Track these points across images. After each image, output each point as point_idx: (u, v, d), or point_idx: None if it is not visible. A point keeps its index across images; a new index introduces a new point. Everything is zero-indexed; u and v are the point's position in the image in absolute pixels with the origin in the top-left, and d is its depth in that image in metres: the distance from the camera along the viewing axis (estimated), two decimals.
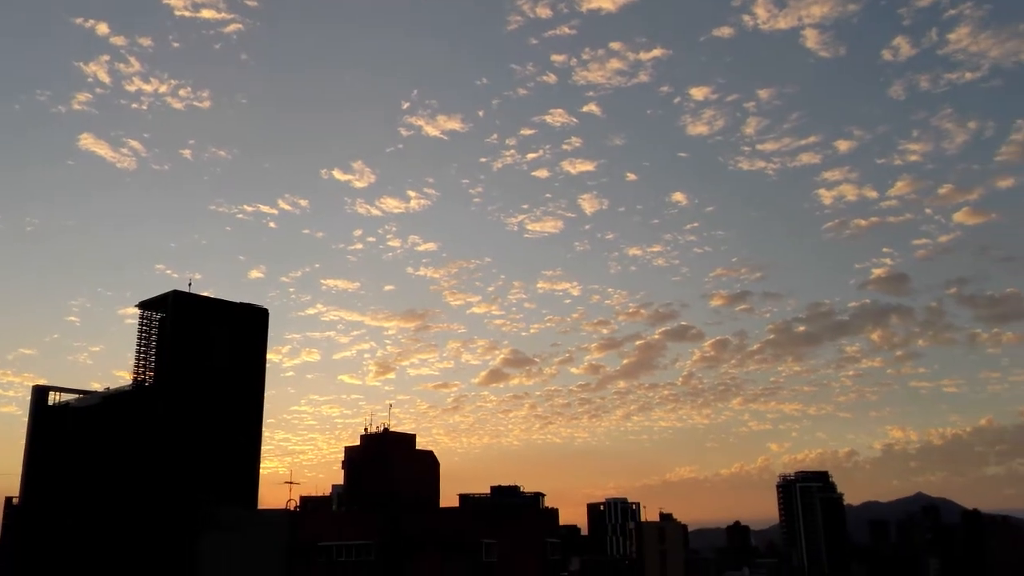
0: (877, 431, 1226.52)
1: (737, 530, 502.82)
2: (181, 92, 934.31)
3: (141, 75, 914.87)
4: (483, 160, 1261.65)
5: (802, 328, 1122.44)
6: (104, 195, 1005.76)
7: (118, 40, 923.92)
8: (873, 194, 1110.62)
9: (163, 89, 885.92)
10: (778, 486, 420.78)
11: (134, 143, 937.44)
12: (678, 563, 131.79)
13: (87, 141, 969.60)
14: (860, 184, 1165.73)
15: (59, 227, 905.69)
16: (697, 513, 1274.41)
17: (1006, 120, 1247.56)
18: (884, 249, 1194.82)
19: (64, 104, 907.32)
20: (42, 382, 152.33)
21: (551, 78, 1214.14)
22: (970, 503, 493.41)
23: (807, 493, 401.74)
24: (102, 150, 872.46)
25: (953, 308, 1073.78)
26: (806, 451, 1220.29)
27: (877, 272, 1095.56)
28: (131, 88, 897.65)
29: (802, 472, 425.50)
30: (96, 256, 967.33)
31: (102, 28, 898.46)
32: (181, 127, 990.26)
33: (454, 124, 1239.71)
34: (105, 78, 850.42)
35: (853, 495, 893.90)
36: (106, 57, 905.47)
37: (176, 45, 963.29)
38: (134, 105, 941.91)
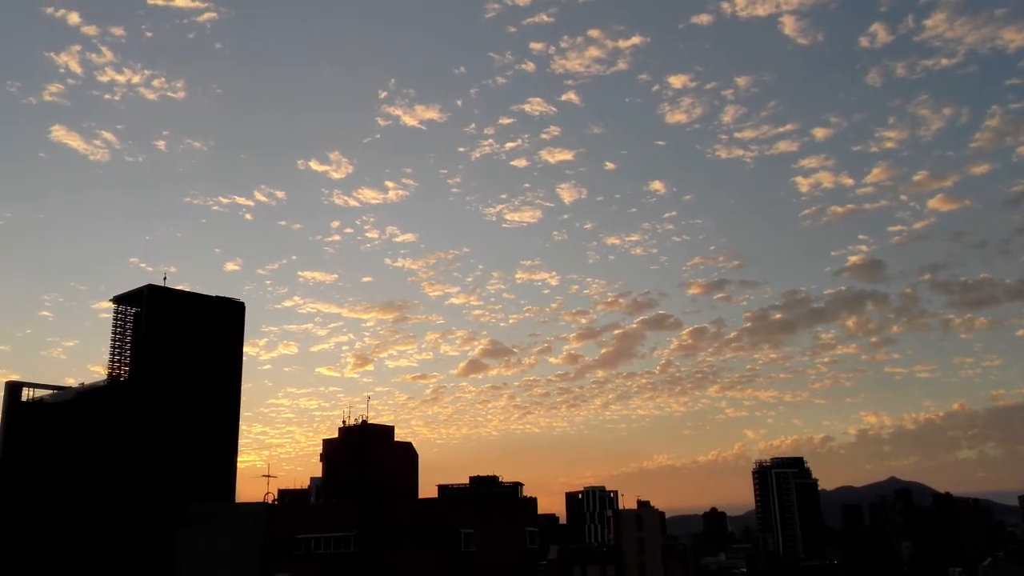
0: (852, 417, 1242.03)
1: (714, 516, 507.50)
2: (155, 82, 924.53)
3: (114, 65, 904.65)
4: (461, 150, 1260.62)
5: (778, 316, 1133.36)
6: (77, 188, 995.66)
7: (90, 30, 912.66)
8: (849, 181, 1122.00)
9: (136, 79, 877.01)
10: (754, 472, 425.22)
11: (107, 135, 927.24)
12: (655, 549, 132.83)
13: (59, 133, 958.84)
14: (836, 171, 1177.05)
15: (31, 221, 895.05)
16: (674, 500, 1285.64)
17: (981, 106, 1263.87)
18: (860, 236, 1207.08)
19: (35, 95, 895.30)
20: (15, 378, 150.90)
21: (529, 66, 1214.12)
22: (942, 487, 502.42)
23: (782, 479, 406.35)
24: (74, 142, 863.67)
25: (927, 294, 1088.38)
26: (782, 437, 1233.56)
27: (853, 259, 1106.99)
28: (103, 79, 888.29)
29: (778, 458, 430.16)
30: (69, 250, 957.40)
31: (73, 17, 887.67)
32: (155, 118, 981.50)
33: (432, 114, 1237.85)
34: (77, 68, 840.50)
35: (827, 480, 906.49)
36: (77, 47, 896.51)
37: (149, 34, 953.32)
38: (107, 96, 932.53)
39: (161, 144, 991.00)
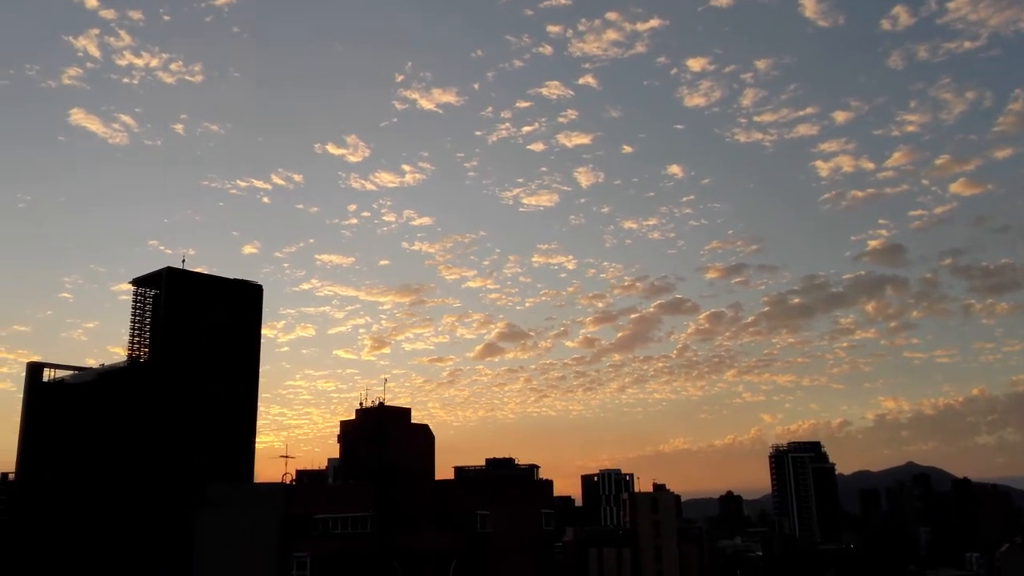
0: (870, 401, 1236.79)
1: (730, 500, 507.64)
2: (172, 66, 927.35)
3: (132, 49, 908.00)
4: (478, 133, 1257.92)
5: (797, 300, 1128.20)
6: (96, 171, 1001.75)
7: (108, 13, 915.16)
8: (870, 165, 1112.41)
9: (154, 63, 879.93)
10: (771, 456, 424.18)
11: (126, 118, 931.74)
12: (671, 532, 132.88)
13: (78, 116, 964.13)
14: (857, 155, 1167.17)
15: (51, 204, 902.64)
16: (691, 483, 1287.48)
17: (1005, 90, 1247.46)
18: (880, 220, 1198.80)
19: (54, 79, 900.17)
20: (36, 359, 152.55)
21: (547, 49, 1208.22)
22: (961, 472, 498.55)
23: (799, 463, 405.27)
24: (93, 125, 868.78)
25: (948, 279, 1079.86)
26: (799, 422, 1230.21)
27: (873, 244, 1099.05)
28: (122, 62, 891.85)
29: (794, 442, 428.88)
30: (89, 232, 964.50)
31: (91, 1, 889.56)
32: (173, 101, 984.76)
33: (449, 97, 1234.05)
34: (95, 52, 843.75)
35: (845, 465, 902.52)
36: (96, 30, 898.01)
37: (167, 18, 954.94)
38: (125, 79, 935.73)
39: (179, 127, 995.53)
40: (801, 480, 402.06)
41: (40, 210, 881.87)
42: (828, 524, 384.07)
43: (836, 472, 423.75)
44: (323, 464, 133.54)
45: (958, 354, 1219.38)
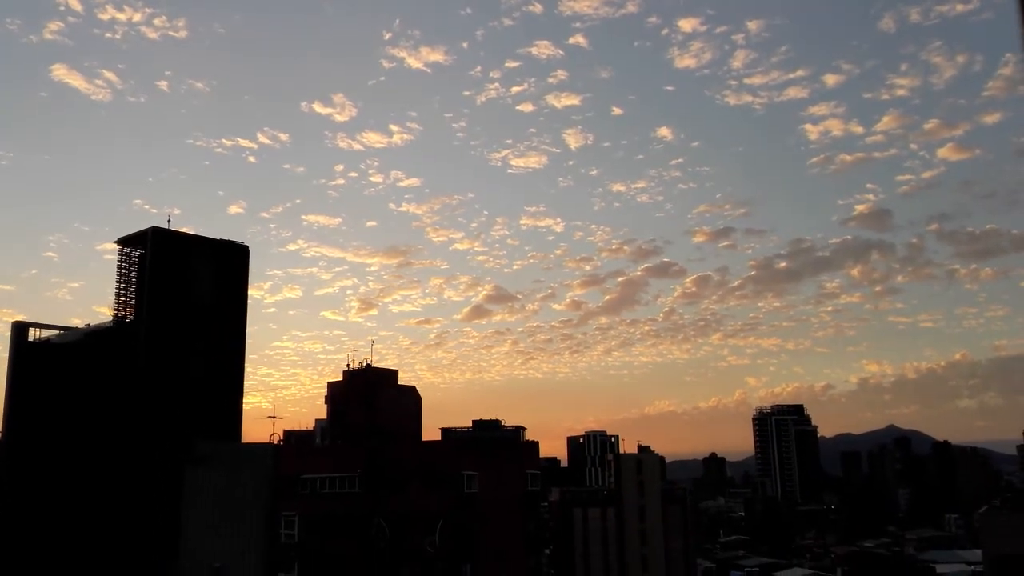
0: (853, 365, 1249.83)
1: (713, 461, 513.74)
2: (156, 21, 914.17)
3: (114, 3, 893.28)
4: (467, 93, 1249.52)
5: (783, 264, 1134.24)
6: (79, 128, 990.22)
7: None
8: (859, 129, 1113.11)
9: (137, 18, 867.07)
10: (754, 419, 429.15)
11: (109, 74, 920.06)
12: (655, 493, 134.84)
13: (60, 72, 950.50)
14: (846, 119, 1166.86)
15: (34, 161, 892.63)
16: (675, 445, 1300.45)
17: (995, 54, 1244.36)
18: (868, 185, 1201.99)
19: (35, 33, 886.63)
20: (21, 318, 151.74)
21: (537, 8, 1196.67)
22: (941, 435, 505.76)
23: (782, 425, 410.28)
24: (76, 81, 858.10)
25: (933, 244, 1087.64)
26: (783, 385, 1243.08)
27: (860, 208, 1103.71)
28: (104, 17, 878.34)
29: (778, 405, 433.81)
30: (73, 191, 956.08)
31: None
32: (157, 58, 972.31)
33: (437, 56, 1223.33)
34: (77, 6, 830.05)
35: (827, 428, 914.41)
36: None
37: None
38: (108, 34, 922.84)
39: (163, 84, 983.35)
40: (784, 442, 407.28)
41: (23, 168, 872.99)
42: (809, 486, 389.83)
43: (818, 435, 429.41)
44: (310, 425, 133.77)
45: (942, 319, 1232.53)
